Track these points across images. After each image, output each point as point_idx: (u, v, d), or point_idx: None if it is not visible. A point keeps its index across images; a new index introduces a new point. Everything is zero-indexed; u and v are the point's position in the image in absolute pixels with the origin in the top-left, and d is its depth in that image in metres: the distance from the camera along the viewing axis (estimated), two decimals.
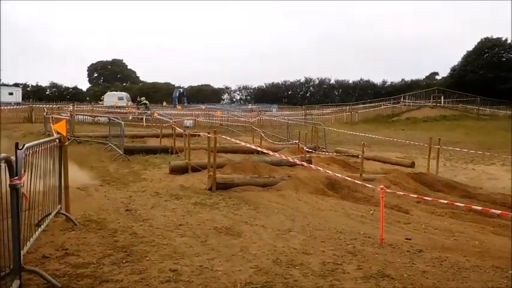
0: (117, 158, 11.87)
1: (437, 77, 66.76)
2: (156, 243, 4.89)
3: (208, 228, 5.59)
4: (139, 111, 21.95)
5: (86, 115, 24.90)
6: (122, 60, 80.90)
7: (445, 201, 5.67)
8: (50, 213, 5.05)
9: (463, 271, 4.21)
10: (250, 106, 49.33)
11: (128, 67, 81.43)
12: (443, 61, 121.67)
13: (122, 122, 13.33)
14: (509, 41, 51.22)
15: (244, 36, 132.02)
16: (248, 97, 73.67)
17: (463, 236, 5.83)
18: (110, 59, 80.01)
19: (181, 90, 56.80)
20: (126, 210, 6.47)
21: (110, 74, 77.62)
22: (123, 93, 49.03)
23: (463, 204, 5.48)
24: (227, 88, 75.76)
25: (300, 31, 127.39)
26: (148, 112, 23.71)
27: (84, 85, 76.53)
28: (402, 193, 6.80)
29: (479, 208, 5.26)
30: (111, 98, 43.61)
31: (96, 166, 10.76)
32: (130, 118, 21.38)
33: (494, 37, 53.21)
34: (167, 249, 4.70)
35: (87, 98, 61.16)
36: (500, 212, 4.75)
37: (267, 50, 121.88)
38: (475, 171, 12.83)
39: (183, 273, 4.03)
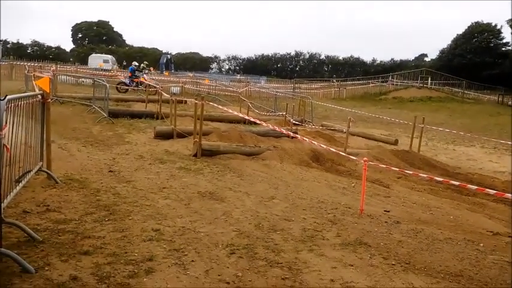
0: (101, 121, 11.70)
1: (426, 59, 67.10)
2: (139, 204, 4.91)
3: (192, 192, 5.62)
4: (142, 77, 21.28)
5: (69, 75, 24.27)
6: (108, 22, 78.35)
7: (425, 176, 5.80)
8: (31, 170, 4.98)
9: (437, 242, 4.36)
10: (239, 76, 48.82)
11: (114, 29, 79.03)
12: (434, 43, 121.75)
13: (107, 84, 13.05)
14: (498, 27, 51.50)
15: (235, 9, 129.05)
16: (237, 67, 72.82)
17: (439, 211, 6.01)
18: (95, 20, 77.47)
19: (169, 56, 55.68)
20: (110, 171, 6.43)
21: (95, 36, 75.07)
22: (108, 56, 47.77)
23: (442, 179, 5.63)
24: (216, 57, 74.66)
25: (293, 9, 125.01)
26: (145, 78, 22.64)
27: (68, 46, 74.27)
28: (384, 166, 6.92)
29: (457, 183, 5.41)
30: (96, 60, 42.42)
31: (79, 127, 10.59)
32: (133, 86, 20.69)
33: (484, 22, 53.35)
34: (150, 210, 4.73)
35: (71, 59, 59.45)
36: (476, 188, 4.89)
37: (259, 22, 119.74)
38: (455, 152, 13.11)
39: (165, 233, 4.07)
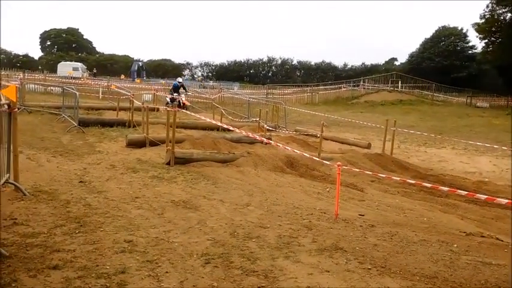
0: (71, 130, 11.37)
1: (396, 63, 68.86)
2: (111, 215, 4.77)
3: (165, 201, 5.51)
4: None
5: (37, 84, 23.52)
6: (78, 29, 76.67)
7: (398, 178, 5.89)
8: None
9: (411, 245, 4.42)
10: (211, 83, 48.66)
11: (84, 37, 77.36)
12: (403, 47, 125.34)
13: (77, 92, 12.71)
14: (464, 31, 53.56)
15: (207, 15, 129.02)
16: (210, 74, 72.56)
17: (413, 213, 6.12)
18: (64, 27, 75.59)
19: (140, 63, 54.94)
20: (80, 181, 6.23)
21: (64, 43, 73.22)
22: (78, 63, 46.64)
23: (414, 181, 5.74)
24: (188, 64, 74.15)
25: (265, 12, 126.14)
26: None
27: (36, 53, 72.10)
28: (358, 170, 7.01)
29: (429, 185, 5.52)
30: (65, 68, 41.28)
31: (48, 137, 10.24)
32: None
33: (451, 26, 55.37)
34: (122, 221, 4.60)
35: (39, 67, 57.67)
36: (447, 189, 5.01)
37: (231, 28, 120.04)
38: (427, 154, 13.45)
39: (139, 244, 3.96)
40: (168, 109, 15.54)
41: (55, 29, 74.69)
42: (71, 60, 51.95)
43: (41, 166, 7.11)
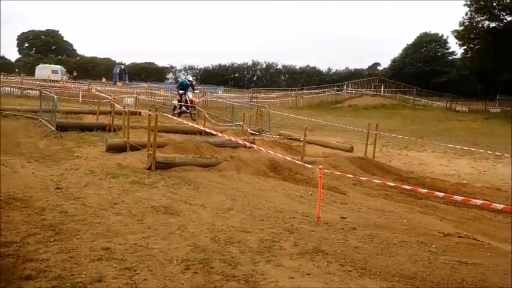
0: (48, 134, 11.09)
1: (379, 68, 69.98)
2: (88, 222, 4.65)
3: (145, 207, 5.41)
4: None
5: (13, 87, 22.95)
6: (58, 31, 75.44)
7: (378, 181, 5.94)
8: None
9: (391, 246, 4.45)
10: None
11: (64, 39, 76.14)
12: (386, 52, 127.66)
13: (55, 96, 12.44)
14: (444, 37, 54.86)
15: (191, 18, 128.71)
16: (194, 77, 72.31)
17: (393, 215, 6.17)
18: (43, 28, 74.26)
19: (122, 66, 54.39)
20: (57, 188, 6.06)
21: (43, 45, 71.91)
22: (57, 66, 45.80)
23: (394, 184, 5.79)
24: (172, 67, 73.71)
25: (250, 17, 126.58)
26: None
27: (13, 56, 70.62)
28: (339, 173, 7.03)
29: (408, 188, 5.58)
30: (44, 70, 40.40)
31: (23, 142, 9.97)
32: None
33: (431, 32, 56.65)
34: (100, 228, 4.49)
35: (16, 70, 56.42)
36: (426, 191, 5.06)
37: (215, 32, 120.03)
38: (408, 157, 13.63)
39: (117, 252, 3.87)
40: (175, 118, 14.96)
41: (33, 30, 73.38)
42: (50, 63, 51.00)
43: (15, 172, 6.89)
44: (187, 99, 18.11)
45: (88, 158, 8.69)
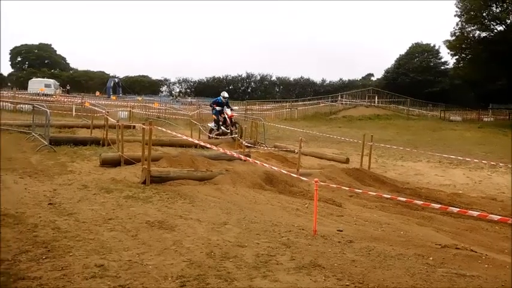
0: (41, 149, 10.99)
1: (373, 78, 70.71)
2: (81, 238, 4.57)
3: (140, 222, 5.34)
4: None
5: (6, 101, 22.82)
6: (51, 44, 75.46)
7: (374, 193, 5.91)
8: None
9: (389, 259, 4.40)
10: (189, 99, 48.53)
11: (58, 52, 76.14)
12: (379, 63, 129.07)
13: (48, 110, 12.37)
14: (436, 47, 55.64)
15: (185, 31, 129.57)
16: (188, 90, 72.45)
17: (390, 227, 6.13)
18: (36, 42, 74.24)
19: (116, 80, 54.42)
20: (49, 203, 5.98)
21: (36, 59, 71.84)
22: (50, 80, 45.71)
23: (390, 196, 5.77)
24: (166, 80, 73.89)
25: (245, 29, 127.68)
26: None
27: (5, 70, 70.48)
28: (335, 186, 7.01)
29: (404, 199, 5.56)
30: (37, 84, 40.26)
31: (16, 157, 9.87)
32: None
33: (424, 43, 57.47)
34: (93, 244, 4.41)
35: (9, 84, 56.23)
36: (422, 202, 5.05)
37: (209, 44, 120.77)
38: (404, 168, 13.64)
39: (110, 269, 3.79)
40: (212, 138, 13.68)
41: (26, 44, 73.30)
42: (43, 77, 50.90)
43: (7, 188, 6.79)
44: (226, 116, 16.05)
45: (82, 173, 8.62)
